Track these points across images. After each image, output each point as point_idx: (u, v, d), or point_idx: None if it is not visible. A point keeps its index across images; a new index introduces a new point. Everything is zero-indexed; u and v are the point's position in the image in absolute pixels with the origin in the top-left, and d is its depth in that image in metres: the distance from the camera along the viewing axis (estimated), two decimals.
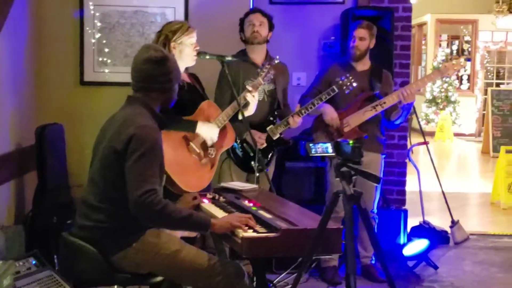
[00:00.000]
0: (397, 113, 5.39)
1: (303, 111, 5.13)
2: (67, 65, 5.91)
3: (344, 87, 5.09)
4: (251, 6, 5.97)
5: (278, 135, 5.17)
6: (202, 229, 3.42)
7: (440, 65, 15.83)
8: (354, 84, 5.10)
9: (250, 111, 4.87)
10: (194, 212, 3.42)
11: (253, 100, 4.84)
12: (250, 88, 4.81)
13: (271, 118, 5.24)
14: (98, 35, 5.89)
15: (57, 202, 5.27)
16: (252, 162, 4.95)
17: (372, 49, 5.48)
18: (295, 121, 5.14)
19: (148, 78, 3.46)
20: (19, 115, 5.36)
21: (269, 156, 5.19)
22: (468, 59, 4.89)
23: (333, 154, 3.24)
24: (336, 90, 5.08)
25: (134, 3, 5.89)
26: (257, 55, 5.27)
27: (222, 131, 4.69)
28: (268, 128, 5.15)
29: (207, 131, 4.53)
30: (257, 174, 4.76)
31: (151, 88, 3.48)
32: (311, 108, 5.13)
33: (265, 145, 5.10)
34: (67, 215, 5.17)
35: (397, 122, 5.47)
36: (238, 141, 5.09)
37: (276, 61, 5.06)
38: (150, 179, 3.24)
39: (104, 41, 5.90)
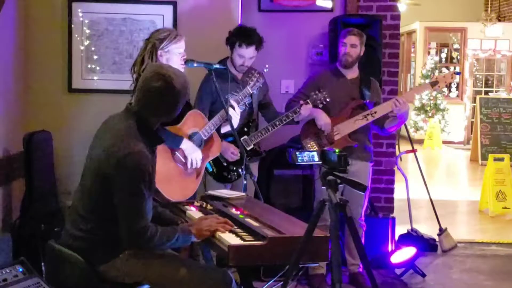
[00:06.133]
0: (391, 122, 5.39)
1: (270, 128, 5.15)
2: (55, 72, 5.88)
3: (318, 102, 5.15)
4: (240, 14, 5.97)
5: (252, 146, 5.17)
6: (188, 243, 3.50)
7: (430, 74, 16.13)
8: (328, 100, 5.16)
9: (234, 124, 4.86)
10: (178, 230, 3.42)
11: (235, 115, 4.83)
12: (233, 103, 4.81)
13: (245, 129, 5.23)
14: (86, 42, 5.87)
15: (44, 210, 5.26)
16: (225, 173, 5.10)
17: (360, 57, 5.49)
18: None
19: (152, 105, 3.40)
20: (6, 122, 5.34)
21: (242, 167, 5.10)
22: (458, 73, 4.92)
23: (319, 162, 3.25)
24: (293, 116, 5.12)
25: (122, 11, 5.88)
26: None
27: (209, 140, 4.69)
28: (242, 139, 5.12)
29: (191, 151, 4.48)
30: (245, 182, 4.76)
31: (153, 112, 3.42)
32: (279, 124, 5.14)
33: (238, 157, 5.08)
34: (55, 222, 5.16)
35: (392, 130, 5.49)
36: None
37: (266, 70, 5.06)
38: (144, 214, 3.25)
39: (93, 48, 5.89)
